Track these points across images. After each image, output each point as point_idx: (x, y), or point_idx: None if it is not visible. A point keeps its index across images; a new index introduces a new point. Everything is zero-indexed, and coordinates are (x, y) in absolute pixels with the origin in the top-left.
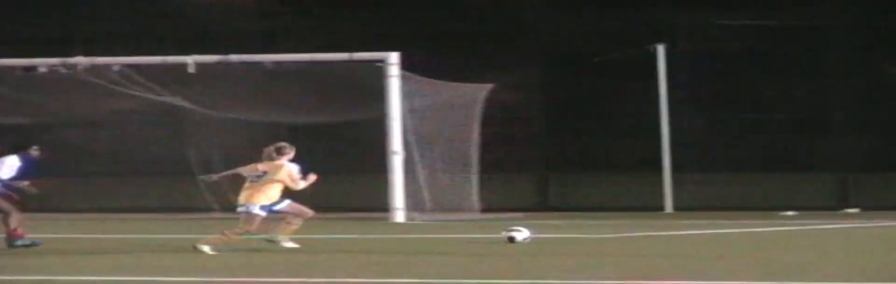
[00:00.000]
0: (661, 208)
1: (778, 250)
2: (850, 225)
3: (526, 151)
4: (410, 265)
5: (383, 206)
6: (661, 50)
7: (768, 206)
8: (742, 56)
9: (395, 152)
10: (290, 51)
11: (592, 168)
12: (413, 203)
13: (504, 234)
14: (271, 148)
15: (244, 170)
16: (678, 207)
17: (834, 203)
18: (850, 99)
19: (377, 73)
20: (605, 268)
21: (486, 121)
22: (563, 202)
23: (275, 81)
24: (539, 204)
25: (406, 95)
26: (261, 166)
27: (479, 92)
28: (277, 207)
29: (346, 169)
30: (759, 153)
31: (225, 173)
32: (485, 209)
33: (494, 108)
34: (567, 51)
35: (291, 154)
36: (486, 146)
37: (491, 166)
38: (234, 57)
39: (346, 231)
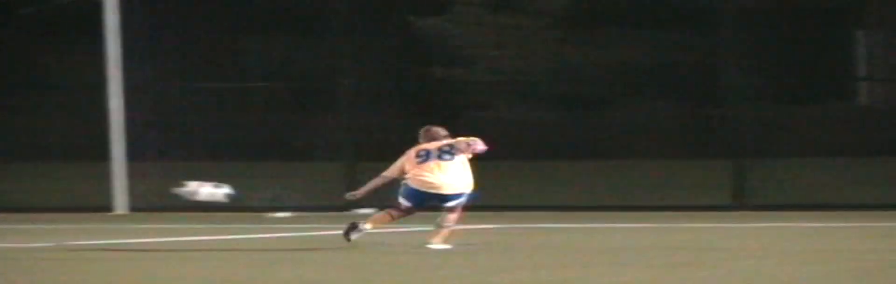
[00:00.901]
0: (110, 208)
1: (274, 261)
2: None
3: None
4: None
5: None
6: None
7: (251, 205)
8: (217, 5)
9: None
10: None
11: (19, 156)
12: None
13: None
14: (439, 129)
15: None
16: (136, 207)
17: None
18: (360, 63)
19: None
20: None
21: None
22: None
23: None
24: None
25: None
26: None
27: None
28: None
29: None
30: (249, 136)
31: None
32: None
33: None
34: None
35: None
36: None
37: None
38: None
39: None
